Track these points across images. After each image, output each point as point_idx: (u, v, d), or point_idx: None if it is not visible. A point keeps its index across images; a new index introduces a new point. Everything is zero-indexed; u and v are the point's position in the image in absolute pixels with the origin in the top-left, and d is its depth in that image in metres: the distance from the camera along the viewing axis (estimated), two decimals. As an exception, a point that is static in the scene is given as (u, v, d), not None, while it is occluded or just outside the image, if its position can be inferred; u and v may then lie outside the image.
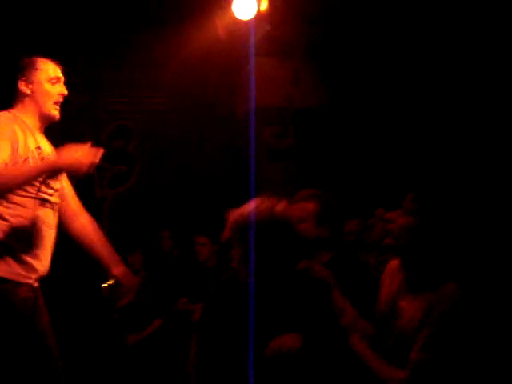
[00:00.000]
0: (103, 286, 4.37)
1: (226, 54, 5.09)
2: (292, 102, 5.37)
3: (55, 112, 2.54)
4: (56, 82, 2.54)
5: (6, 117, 2.44)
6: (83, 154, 2.25)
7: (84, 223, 2.68)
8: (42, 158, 2.48)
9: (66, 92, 2.57)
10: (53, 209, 2.53)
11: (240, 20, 4.70)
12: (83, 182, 2.85)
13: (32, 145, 2.45)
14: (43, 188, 2.47)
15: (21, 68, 2.52)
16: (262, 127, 5.48)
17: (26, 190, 2.40)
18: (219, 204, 5.43)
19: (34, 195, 2.42)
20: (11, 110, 2.50)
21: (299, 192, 2.52)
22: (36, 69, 2.51)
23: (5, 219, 2.36)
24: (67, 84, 2.61)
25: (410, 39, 5.10)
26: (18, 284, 2.35)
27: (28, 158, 2.41)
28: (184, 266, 4.58)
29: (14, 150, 2.35)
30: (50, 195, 2.51)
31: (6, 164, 2.30)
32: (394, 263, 2.26)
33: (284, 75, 5.27)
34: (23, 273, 2.37)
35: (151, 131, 5.56)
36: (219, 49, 4.98)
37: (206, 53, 4.96)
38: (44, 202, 2.47)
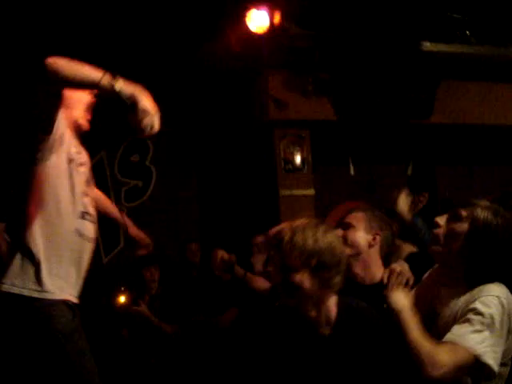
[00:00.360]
0: (119, 301, 4.37)
1: (240, 67, 5.10)
2: (306, 114, 5.37)
3: (83, 121, 2.50)
4: None
5: None
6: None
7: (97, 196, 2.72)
8: (81, 164, 2.43)
9: (95, 99, 2.52)
10: (92, 221, 2.46)
11: (254, 33, 4.72)
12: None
13: (74, 148, 2.42)
14: (83, 198, 2.41)
15: None
16: (277, 139, 5.48)
17: (66, 200, 2.33)
18: (237, 216, 5.45)
19: (73, 205, 2.35)
20: None
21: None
22: None
23: (42, 233, 2.28)
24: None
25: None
26: (56, 301, 2.26)
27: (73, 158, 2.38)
28: (205, 279, 4.58)
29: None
30: (88, 205, 2.44)
31: None
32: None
33: (298, 87, 5.27)
34: (59, 290, 2.27)
35: (167, 144, 5.57)
36: (233, 61, 4.99)
37: (219, 65, 4.97)
38: (84, 213, 2.41)
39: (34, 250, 2.25)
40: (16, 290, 2.23)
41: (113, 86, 2.14)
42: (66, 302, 2.29)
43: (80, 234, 2.36)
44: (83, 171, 2.46)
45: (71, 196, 2.35)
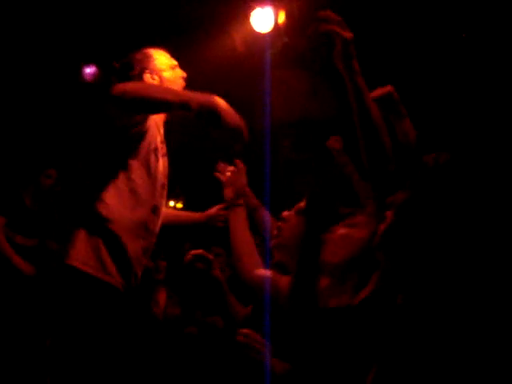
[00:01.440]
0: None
1: (244, 67, 5.09)
2: (310, 114, 5.35)
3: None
4: (175, 67, 2.46)
5: None
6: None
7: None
8: (163, 155, 2.36)
9: (185, 74, 2.46)
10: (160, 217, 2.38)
11: (258, 32, 4.70)
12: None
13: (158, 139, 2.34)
14: (162, 191, 2.35)
15: (137, 61, 2.40)
16: (280, 140, 5.46)
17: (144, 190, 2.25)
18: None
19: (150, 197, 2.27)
20: None
21: None
22: (154, 59, 2.40)
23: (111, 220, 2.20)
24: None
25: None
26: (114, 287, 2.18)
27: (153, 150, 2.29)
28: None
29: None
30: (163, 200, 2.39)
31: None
32: None
33: (302, 87, 5.25)
34: (117, 276, 2.19)
35: (167, 143, 5.55)
36: (236, 61, 4.98)
37: (223, 65, 4.96)
38: (156, 208, 2.33)
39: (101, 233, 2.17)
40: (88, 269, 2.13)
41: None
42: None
43: (146, 229, 2.28)
44: (165, 163, 2.39)
45: (151, 186, 2.28)
